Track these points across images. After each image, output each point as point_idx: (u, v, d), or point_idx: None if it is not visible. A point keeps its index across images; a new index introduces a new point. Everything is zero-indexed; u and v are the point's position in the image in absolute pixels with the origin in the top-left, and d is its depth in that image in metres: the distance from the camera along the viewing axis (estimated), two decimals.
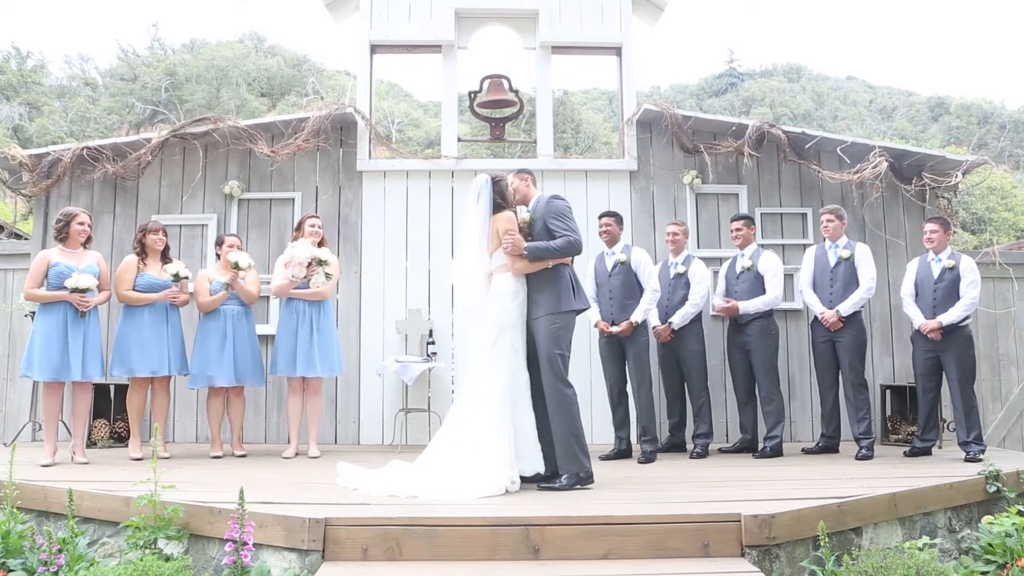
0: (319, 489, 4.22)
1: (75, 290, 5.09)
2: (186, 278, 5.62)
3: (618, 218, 6.00)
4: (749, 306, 5.85)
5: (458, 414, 4.36)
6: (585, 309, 4.54)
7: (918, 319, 5.54)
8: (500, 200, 4.46)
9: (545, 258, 4.32)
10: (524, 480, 4.22)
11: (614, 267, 5.81)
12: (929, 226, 5.66)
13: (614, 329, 5.64)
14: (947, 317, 5.37)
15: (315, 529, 3.30)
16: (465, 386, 4.41)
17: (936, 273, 5.52)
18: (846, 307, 5.66)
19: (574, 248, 4.35)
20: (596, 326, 5.83)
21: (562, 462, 4.26)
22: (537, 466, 4.31)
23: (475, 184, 4.51)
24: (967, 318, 5.44)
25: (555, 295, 4.34)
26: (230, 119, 6.85)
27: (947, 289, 5.46)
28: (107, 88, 35.97)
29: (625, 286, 5.75)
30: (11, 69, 34.70)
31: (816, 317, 5.87)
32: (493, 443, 4.14)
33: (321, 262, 5.65)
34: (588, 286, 5.88)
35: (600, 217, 6.02)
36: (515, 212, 4.55)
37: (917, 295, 5.65)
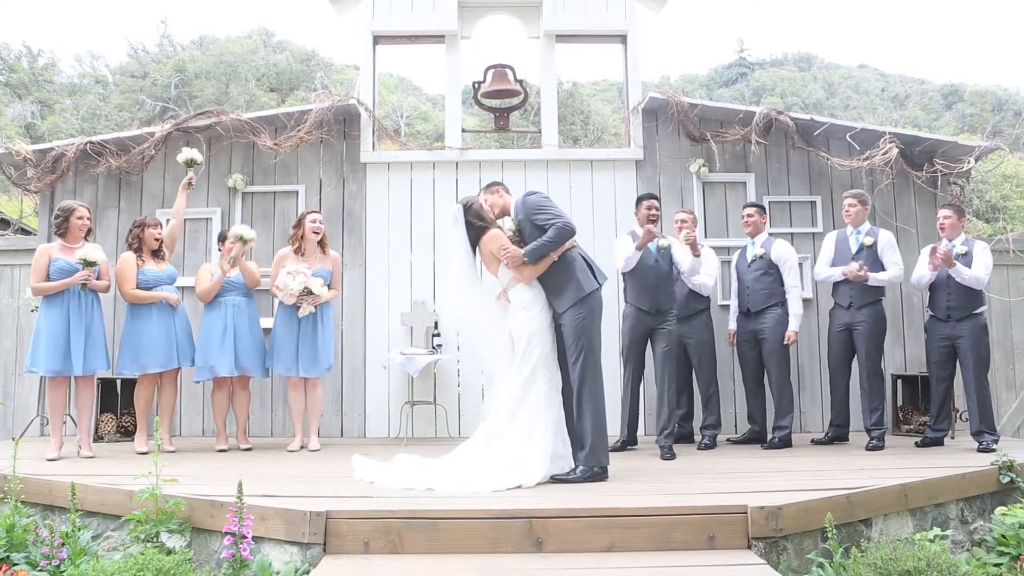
0: (321, 482, 4.21)
1: (84, 262, 5.09)
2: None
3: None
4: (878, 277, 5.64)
5: (490, 429, 4.31)
6: (604, 282, 4.46)
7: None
8: (479, 222, 4.40)
9: (546, 253, 4.26)
10: (557, 480, 4.16)
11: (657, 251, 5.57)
12: (943, 212, 5.56)
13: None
14: (960, 272, 5.27)
15: (316, 522, 3.29)
16: (495, 400, 4.35)
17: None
18: (874, 278, 5.55)
19: (567, 232, 4.28)
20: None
21: (583, 455, 4.22)
22: (572, 463, 4.27)
23: (450, 215, 4.47)
24: (981, 308, 5.37)
25: (573, 284, 4.28)
26: (233, 112, 6.84)
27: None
28: (117, 85, 36.12)
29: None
30: (23, 67, 34.91)
31: (836, 305, 5.80)
32: (526, 453, 4.11)
33: (311, 293, 5.63)
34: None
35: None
36: (500, 227, 4.49)
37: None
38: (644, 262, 5.51)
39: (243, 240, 5.63)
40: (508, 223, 4.54)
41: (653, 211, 5.59)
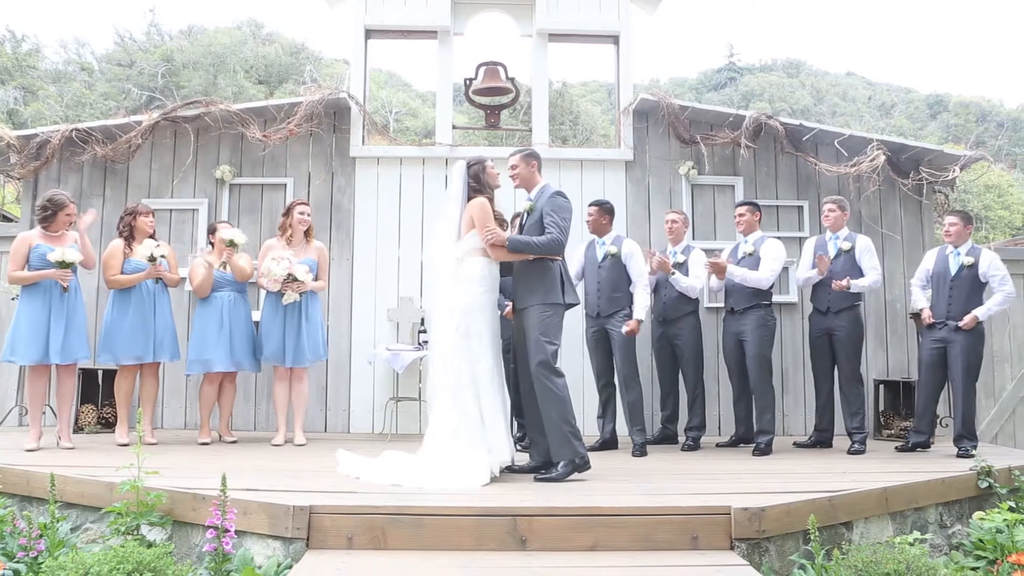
0: (305, 477, 4.18)
1: (60, 264, 5.02)
2: (163, 256, 5.53)
3: (604, 208, 5.85)
4: (735, 271, 5.68)
5: (439, 404, 4.29)
6: (575, 304, 4.49)
7: (923, 304, 5.54)
8: (475, 184, 4.40)
9: (525, 252, 4.31)
10: (501, 472, 4.18)
11: (604, 258, 5.73)
12: (949, 219, 5.57)
13: (624, 329, 5.54)
14: (983, 311, 5.28)
15: (299, 517, 3.26)
16: (436, 375, 4.30)
17: (954, 269, 5.43)
18: (854, 285, 5.58)
19: (555, 248, 4.31)
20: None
21: (556, 450, 4.22)
22: (505, 457, 4.22)
23: (453, 169, 4.51)
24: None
25: (545, 287, 4.31)
26: (222, 102, 6.77)
27: (963, 285, 5.37)
28: (103, 73, 35.73)
29: (613, 279, 5.67)
30: (6, 52, 34.44)
31: (814, 309, 5.83)
32: (472, 430, 4.12)
33: (296, 280, 5.61)
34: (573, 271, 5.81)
35: (589, 205, 5.90)
36: (492, 197, 4.46)
37: (930, 287, 5.59)
38: (589, 267, 5.83)
39: (234, 245, 5.65)
40: (526, 201, 4.59)
41: (588, 216, 5.84)
